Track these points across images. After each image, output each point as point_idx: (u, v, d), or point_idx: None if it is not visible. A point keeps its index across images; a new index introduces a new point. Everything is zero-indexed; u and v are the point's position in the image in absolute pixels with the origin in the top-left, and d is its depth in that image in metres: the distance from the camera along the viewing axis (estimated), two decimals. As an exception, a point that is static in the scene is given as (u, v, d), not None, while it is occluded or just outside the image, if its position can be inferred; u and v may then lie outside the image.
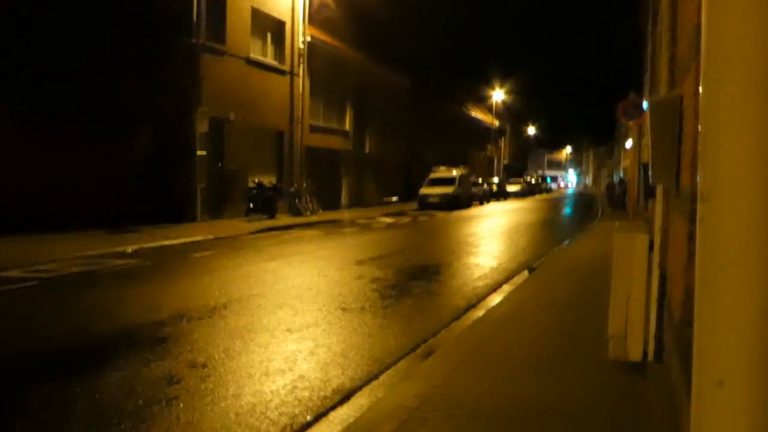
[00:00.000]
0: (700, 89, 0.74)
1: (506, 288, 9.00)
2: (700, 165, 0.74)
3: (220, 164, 20.41)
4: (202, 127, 18.71)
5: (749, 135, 0.68)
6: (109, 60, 17.73)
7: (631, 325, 5.04)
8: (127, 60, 17.94)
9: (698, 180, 0.74)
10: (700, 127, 0.73)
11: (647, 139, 10.03)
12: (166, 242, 13.98)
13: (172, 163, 18.79)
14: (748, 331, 0.68)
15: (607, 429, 3.82)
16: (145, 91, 18.05)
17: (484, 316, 7.05)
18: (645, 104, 14.93)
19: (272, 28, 23.88)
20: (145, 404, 4.38)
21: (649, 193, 7.61)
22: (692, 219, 2.72)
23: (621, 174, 40.37)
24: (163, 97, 18.46)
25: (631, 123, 17.27)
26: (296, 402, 4.46)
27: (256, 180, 21.33)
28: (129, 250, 12.56)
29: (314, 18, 26.44)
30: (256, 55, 22.50)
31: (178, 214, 18.42)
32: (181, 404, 4.39)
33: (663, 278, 4.32)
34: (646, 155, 10.63)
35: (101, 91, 17.59)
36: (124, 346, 5.85)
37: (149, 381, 4.85)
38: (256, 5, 22.24)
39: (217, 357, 5.48)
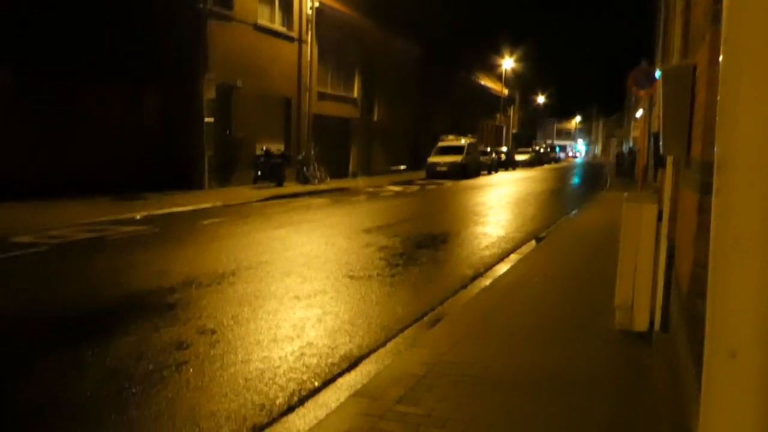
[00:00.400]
0: (720, 58, 0.72)
1: (513, 257, 9.01)
2: (717, 136, 0.72)
3: (227, 131, 20.37)
4: (210, 93, 18.63)
5: (766, 108, 0.66)
6: (114, 24, 17.62)
7: (637, 295, 5.05)
8: (133, 25, 17.81)
9: (715, 150, 0.73)
10: (719, 96, 0.72)
11: (658, 109, 9.91)
12: (175, 209, 14.04)
13: (180, 130, 18.78)
14: (761, 302, 0.68)
15: (612, 396, 3.86)
16: (151, 57, 17.97)
17: (491, 285, 7.07)
18: (657, 73, 14.74)
19: (280, -6, 23.60)
20: (155, 369, 4.44)
21: (659, 163, 7.55)
22: (702, 190, 2.70)
23: (631, 144, 40.05)
24: (170, 64, 18.38)
25: (641, 92, 17.06)
26: (304, 368, 4.51)
27: (264, 147, 21.29)
28: (138, 216, 12.63)
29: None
30: (263, 21, 22.26)
31: (186, 181, 18.46)
32: (191, 369, 4.45)
33: (671, 249, 4.31)
34: (657, 125, 10.52)
35: (107, 55, 17.51)
36: (133, 311, 5.91)
37: (159, 346, 4.91)
38: (263, -30, 21.94)
39: (225, 323, 5.53)
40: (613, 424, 3.49)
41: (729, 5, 0.69)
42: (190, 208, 14.44)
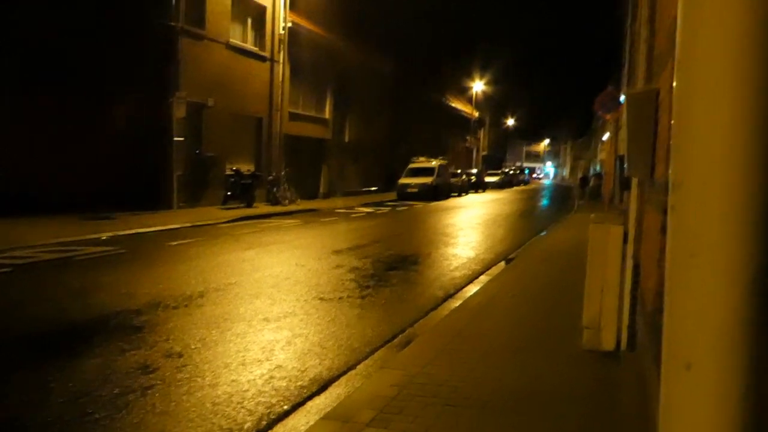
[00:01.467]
0: (674, 82, 0.75)
1: (483, 278, 9.06)
2: (672, 155, 0.75)
3: (197, 151, 20.21)
4: (180, 112, 18.50)
5: (719, 126, 0.69)
6: (82, 39, 17.46)
7: (605, 314, 5.11)
8: (103, 41, 17.67)
9: (670, 169, 0.75)
10: (673, 118, 0.75)
11: (624, 132, 10.13)
12: (142, 229, 13.84)
13: (149, 148, 18.57)
14: (714, 315, 0.70)
15: (581, 414, 3.88)
16: (122, 75, 17.82)
17: (462, 305, 7.10)
18: (622, 97, 15.09)
19: (253, 13, 23.66)
20: (120, 393, 4.35)
21: (625, 185, 7.70)
22: (665, 211, 2.77)
23: (598, 167, 40.81)
24: (141, 81, 18.21)
25: (608, 116, 17.46)
26: (273, 392, 4.46)
27: (234, 167, 21.18)
28: (104, 236, 12.42)
29: (296, 3, 26.23)
30: (236, 40, 22.28)
31: (155, 200, 18.23)
32: (157, 393, 4.36)
33: (636, 269, 4.39)
34: (623, 148, 10.74)
35: (75, 71, 17.32)
36: (99, 334, 5.79)
37: (124, 370, 4.81)
38: (236, -10, 22.00)
39: (193, 346, 5.45)
40: (582, 443, 3.51)
41: (681, 33, 0.72)
42: (158, 228, 14.25)
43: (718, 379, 0.70)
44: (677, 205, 0.73)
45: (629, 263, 4.73)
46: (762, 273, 0.71)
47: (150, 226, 14.32)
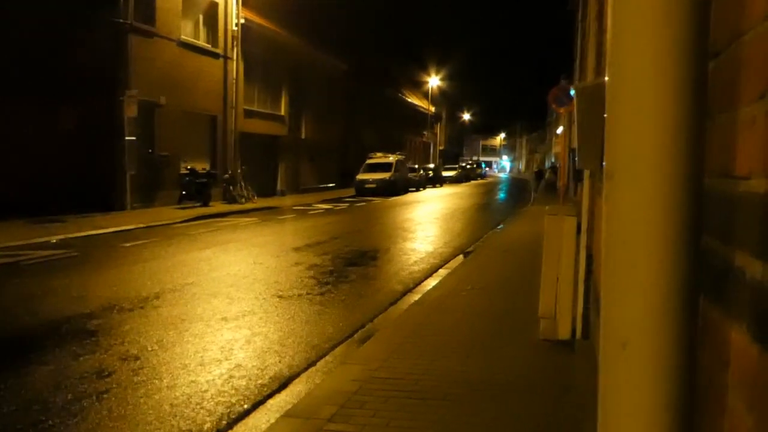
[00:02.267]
0: (606, 77, 0.78)
1: (442, 272, 9.15)
2: (606, 148, 0.78)
3: (150, 150, 19.83)
4: (131, 111, 18.11)
5: (647, 119, 0.73)
6: (30, 37, 16.96)
7: (560, 304, 5.22)
8: (50, 38, 17.18)
9: (605, 159, 0.78)
10: (606, 111, 0.78)
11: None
12: (94, 231, 13.52)
13: (100, 148, 18.15)
14: (647, 296, 0.75)
15: (539, 401, 3.96)
16: (69, 73, 17.35)
17: (421, 299, 7.15)
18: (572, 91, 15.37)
19: (204, 10, 23.30)
20: (74, 399, 4.25)
21: (578, 177, 7.86)
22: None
23: (553, 159, 41.54)
24: (89, 80, 17.77)
25: (561, 110, 17.74)
26: (233, 391, 4.42)
27: (189, 166, 20.85)
28: (54, 240, 12.10)
29: (248, 0, 25.93)
30: (187, 37, 21.92)
31: (107, 201, 17.83)
32: (113, 398, 4.28)
33: (590, 258, 4.49)
34: (576, 141, 10.95)
35: (21, 69, 16.82)
36: (51, 339, 5.64)
37: (78, 375, 4.71)
38: (186, -15, 21.63)
39: (150, 348, 5.36)
40: (540, 426, 3.58)
41: (612, 33, 0.76)
42: (110, 230, 13.94)
43: (652, 357, 0.74)
44: (610, 194, 0.76)
45: (582, 253, 4.85)
46: (688, 255, 0.74)
47: (103, 228, 14.00)
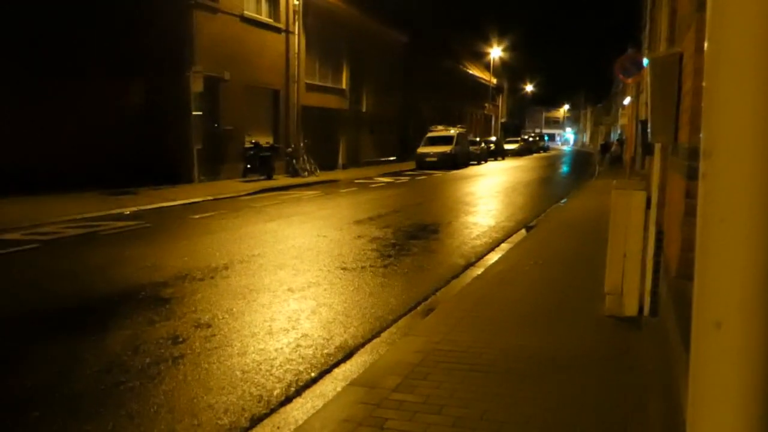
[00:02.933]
0: (706, 45, 0.77)
1: (504, 246, 9.08)
2: (703, 122, 0.77)
3: (215, 124, 20.29)
4: (197, 86, 18.54)
5: (752, 92, 0.71)
6: (98, 16, 17.52)
7: (627, 280, 5.12)
8: (118, 17, 17.69)
9: (702, 137, 0.78)
10: (704, 83, 0.77)
11: (645, 97, 9.99)
12: (164, 204, 14.01)
13: (167, 123, 18.70)
14: (742, 276, 0.74)
15: (602, 378, 3.93)
16: (137, 50, 17.87)
17: (483, 273, 7.14)
18: (643, 61, 14.83)
19: (266, -15, 23.48)
20: (152, 362, 4.47)
21: (647, 150, 7.62)
22: (689, 176, 2.76)
23: (619, 132, 40.32)
24: (156, 56, 18.27)
25: (629, 80, 17.17)
26: (300, 359, 4.56)
27: (253, 140, 21.24)
28: (127, 211, 12.60)
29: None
30: (250, 12, 22.15)
31: (175, 175, 18.40)
32: (188, 363, 4.48)
33: (660, 234, 4.38)
34: (644, 113, 10.62)
35: (91, 47, 17.41)
36: (127, 306, 5.93)
37: (154, 340, 4.94)
38: (249, -39, 21.81)
39: (220, 317, 5.57)
40: (603, 404, 3.56)
41: (712, 1, 0.74)
42: (179, 202, 14.42)
43: (746, 337, 0.74)
44: (708, 172, 0.76)
45: (652, 229, 4.73)
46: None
47: (172, 200, 14.49)
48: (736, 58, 0.72)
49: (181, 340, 4.96)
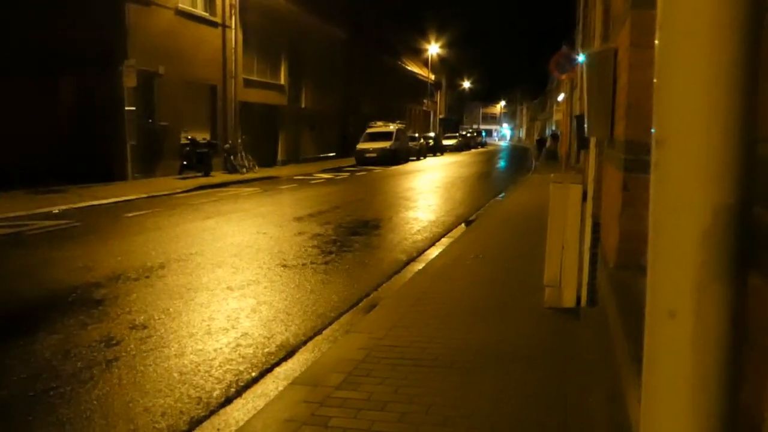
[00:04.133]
0: (656, 40, 0.76)
1: (445, 241, 9.16)
2: (654, 110, 0.77)
3: (150, 120, 19.71)
4: (130, 81, 17.95)
5: (703, 79, 0.71)
6: (26, 7, 16.75)
7: (565, 272, 5.23)
8: (47, 8, 16.95)
9: (653, 125, 0.77)
10: (655, 78, 0.76)
11: (580, 92, 10.25)
12: (96, 202, 13.51)
13: (100, 118, 18.03)
14: (696, 265, 0.74)
15: (545, 368, 3.99)
16: (67, 43, 17.16)
17: (424, 268, 7.17)
18: (577, 58, 15.20)
19: (201, -23, 22.94)
20: (84, 367, 4.29)
21: (582, 144, 7.81)
22: (626, 168, 2.82)
23: (554, 127, 41.35)
24: (88, 50, 17.58)
25: (563, 76, 17.59)
26: (240, 359, 4.46)
27: (189, 136, 20.73)
28: (56, 210, 12.09)
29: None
30: (185, 5, 21.59)
31: (108, 172, 17.78)
32: (123, 365, 4.32)
33: (597, 226, 4.49)
34: (579, 108, 10.90)
35: (19, 41, 16.64)
36: (58, 309, 5.67)
37: (87, 344, 4.74)
38: (183, -47, 21.24)
39: (156, 317, 5.39)
40: (548, 393, 3.62)
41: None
42: (112, 200, 13.94)
43: (701, 326, 0.74)
44: (660, 161, 0.75)
45: (588, 221, 4.84)
46: (739, 223, 0.73)
47: (104, 198, 13.99)
48: (687, 46, 0.72)
49: (115, 342, 4.78)
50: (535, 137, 50.23)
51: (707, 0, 0.69)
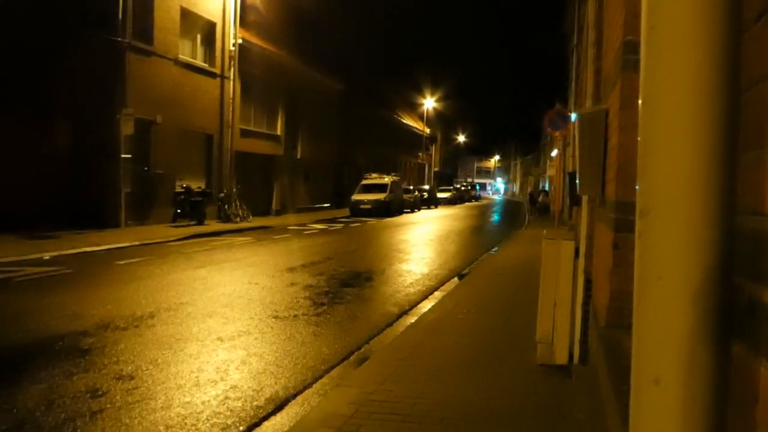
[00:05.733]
0: (640, 104, 0.79)
1: (438, 294, 9.13)
2: (639, 181, 0.79)
3: (146, 168, 19.81)
4: (128, 129, 18.11)
5: (686, 153, 0.73)
6: (27, 54, 17.01)
7: (557, 329, 5.20)
8: (47, 56, 17.23)
9: (637, 196, 0.79)
10: (639, 147, 0.79)
11: (572, 149, 10.40)
12: (88, 248, 13.45)
13: (95, 165, 18.12)
14: (680, 334, 0.75)
15: (534, 426, 3.94)
16: (66, 90, 17.38)
17: (417, 322, 7.12)
18: (570, 116, 15.49)
19: (202, 29, 23.42)
20: (67, 418, 4.20)
21: (574, 201, 7.88)
22: (616, 228, 2.86)
23: (546, 183, 41.76)
24: (87, 97, 17.82)
25: (556, 133, 17.87)
26: (228, 412, 4.38)
27: (184, 184, 20.80)
28: (46, 256, 12.02)
29: (246, 20, 26.11)
30: (185, 56, 21.99)
31: (101, 219, 17.75)
32: (107, 418, 4.23)
33: (588, 283, 4.49)
34: (572, 164, 11.04)
35: (18, 86, 16.84)
36: (44, 357, 5.58)
37: (72, 394, 4.65)
38: (185, 5, 21.74)
39: (144, 368, 5.31)
40: (538, 457, 3.56)
41: (645, 66, 0.76)
42: (104, 247, 13.87)
43: (685, 393, 0.74)
44: (644, 231, 0.77)
45: (580, 278, 4.84)
46: (723, 292, 0.75)
47: (96, 245, 13.93)
48: (669, 119, 0.75)
49: (100, 393, 4.69)
50: (528, 192, 50.63)
51: (686, 73, 0.72)
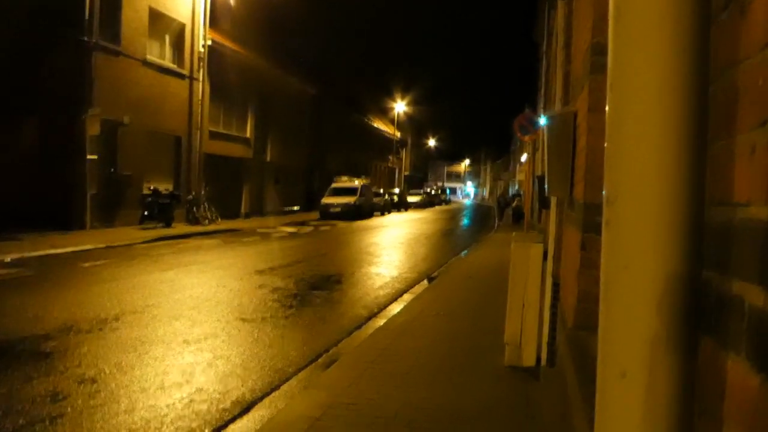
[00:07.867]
0: (607, 105, 0.78)
1: (407, 297, 9.12)
2: (606, 169, 0.78)
3: (112, 169, 19.47)
4: (94, 129, 17.78)
5: (653, 141, 0.73)
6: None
7: (525, 331, 5.23)
8: (12, 56, 16.85)
9: (605, 186, 0.78)
10: (606, 140, 0.78)
11: (542, 153, 10.48)
12: (51, 251, 13.15)
13: (60, 166, 17.75)
14: (647, 325, 0.74)
15: (502, 428, 3.94)
16: (30, 89, 17.01)
17: (385, 324, 7.10)
18: (539, 120, 15.64)
19: (171, 30, 23.14)
20: (26, 423, 4.08)
21: (543, 204, 7.95)
22: (584, 229, 2.87)
23: (516, 187, 42.14)
24: (52, 97, 17.47)
25: (526, 138, 18.02)
26: (193, 415, 4.30)
27: (152, 186, 20.49)
28: (8, 259, 11.71)
29: (216, 21, 25.87)
30: (153, 57, 21.70)
31: (66, 221, 17.38)
32: (68, 422, 4.12)
33: (556, 286, 4.52)
34: (541, 168, 11.14)
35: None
36: (2, 361, 5.42)
37: (31, 398, 4.52)
38: (154, 5, 21.46)
39: (107, 371, 5.20)
40: (506, 458, 3.56)
41: (613, 60, 0.75)
42: (68, 249, 13.58)
43: (651, 386, 0.73)
44: (611, 219, 0.76)
45: (548, 280, 4.88)
46: (691, 284, 0.74)
47: (60, 248, 13.62)
48: (634, 114, 0.74)
49: (61, 397, 4.57)
50: (498, 196, 51.02)
51: (654, 66, 0.72)
